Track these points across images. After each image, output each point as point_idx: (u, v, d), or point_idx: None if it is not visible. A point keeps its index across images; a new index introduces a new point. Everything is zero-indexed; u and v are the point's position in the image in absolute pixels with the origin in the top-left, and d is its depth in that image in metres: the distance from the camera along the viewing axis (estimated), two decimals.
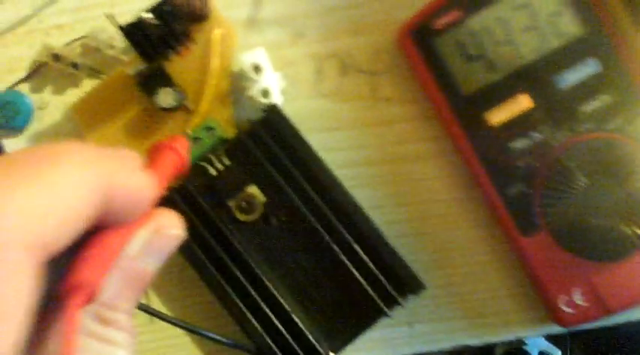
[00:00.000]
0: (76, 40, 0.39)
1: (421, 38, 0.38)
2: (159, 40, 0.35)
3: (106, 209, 0.20)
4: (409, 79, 0.40)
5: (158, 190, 0.24)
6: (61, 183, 0.18)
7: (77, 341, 0.20)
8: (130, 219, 0.22)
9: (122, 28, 0.34)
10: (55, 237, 0.19)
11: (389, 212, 0.40)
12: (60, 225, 0.18)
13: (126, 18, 0.36)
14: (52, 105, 0.40)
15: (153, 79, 0.35)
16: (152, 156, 0.27)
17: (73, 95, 0.40)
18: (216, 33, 0.37)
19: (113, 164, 0.21)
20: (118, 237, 0.22)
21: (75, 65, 0.38)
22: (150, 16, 0.33)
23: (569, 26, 0.38)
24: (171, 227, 0.24)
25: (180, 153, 0.27)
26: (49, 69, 0.39)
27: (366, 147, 0.40)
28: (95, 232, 0.21)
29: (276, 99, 0.37)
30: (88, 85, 0.40)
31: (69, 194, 0.18)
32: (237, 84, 0.38)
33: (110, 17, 0.33)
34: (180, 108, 0.36)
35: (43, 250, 0.18)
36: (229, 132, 0.37)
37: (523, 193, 0.38)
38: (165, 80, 0.35)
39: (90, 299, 0.20)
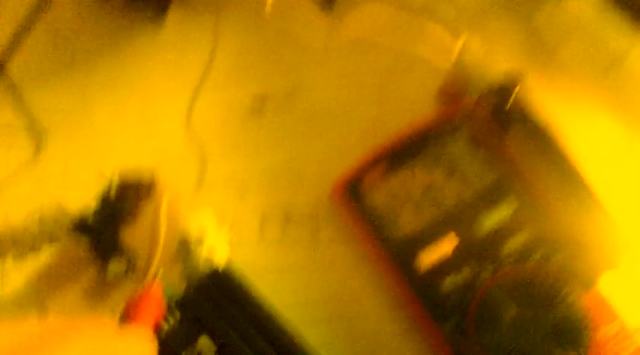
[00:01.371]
0: (31, 212, 0.42)
1: (352, 192, 0.42)
2: (105, 220, 0.38)
3: None
4: (347, 222, 0.43)
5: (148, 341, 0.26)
6: None
7: None
8: None
9: (68, 221, 0.37)
10: None
11: (340, 348, 0.42)
12: None
13: (79, 188, 0.40)
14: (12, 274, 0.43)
15: (104, 249, 0.39)
16: (132, 309, 0.30)
17: (32, 264, 0.43)
18: (163, 201, 0.41)
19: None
20: None
21: (32, 236, 0.41)
22: (94, 205, 0.37)
23: (486, 171, 0.42)
24: None
25: (158, 297, 0.29)
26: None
27: (312, 288, 0.43)
28: None
29: (222, 253, 0.40)
30: (46, 253, 0.43)
31: None
32: (186, 240, 0.41)
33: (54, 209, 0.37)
34: (132, 271, 0.39)
35: None
36: (180, 288, 0.40)
37: (459, 325, 0.40)
38: (116, 249, 0.39)
39: None
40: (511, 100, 0.41)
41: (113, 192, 0.37)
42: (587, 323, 0.38)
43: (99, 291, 0.39)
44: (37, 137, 0.44)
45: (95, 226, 0.38)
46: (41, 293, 0.40)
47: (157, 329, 0.36)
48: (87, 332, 0.23)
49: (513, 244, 0.41)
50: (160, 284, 0.30)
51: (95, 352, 0.22)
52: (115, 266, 0.37)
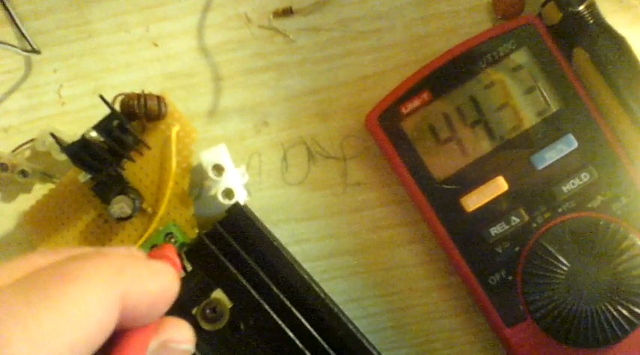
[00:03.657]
0: (23, 145, 0.37)
1: (390, 123, 0.37)
2: (108, 153, 0.33)
3: (126, 317, 0.20)
4: (380, 162, 0.38)
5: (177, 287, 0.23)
6: (83, 305, 0.18)
7: None
8: (155, 318, 0.22)
9: (64, 149, 0.32)
10: (78, 353, 0.19)
11: (367, 305, 0.38)
12: (82, 344, 0.18)
13: (76, 117, 0.34)
14: (2, 214, 0.38)
15: (107, 185, 0.34)
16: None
17: (25, 202, 0.38)
18: (174, 132, 0.35)
19: (130, 274, 0.21)
20: (139, 341, 0.21)
21: (24, 172, 0.36)
22: (94, 134, 0.32)
23: (544, 103, 0.36)
24: (181, 341, 0.23)
25: (175, 261, 0.26)
26: None
27: (338, 237, 0.38)
28: (120, 333, 0.21)
29: (240, 197, 0.35)
30: (40, 190, 0.38)
31: (89, 316, 0.19)
32: (198, 179, 0.36)
33: (52, 135, 0.32)
34: (138, 212, 0.34)
35: None
36: (190, 235, 0.35)
37: (505, 281, 0.36)
38: (121, 185, 0.34)
39: None
40: (584, 6, 0.35)
41: (115, 122, 0.32)
42: None
43: (101, 233, 0.34)
44: (28, 58, 0.37)
45: (95, 161, 0.32)
46: (33, 236, 0.36)
47: None
48: (111, 254, 0.21)
49: (571, 188, 0.36)
50: (173, 248, 0.26)
51: (126, 264, 0.20)
52: (118, 207, 0.32)
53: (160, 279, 0.22)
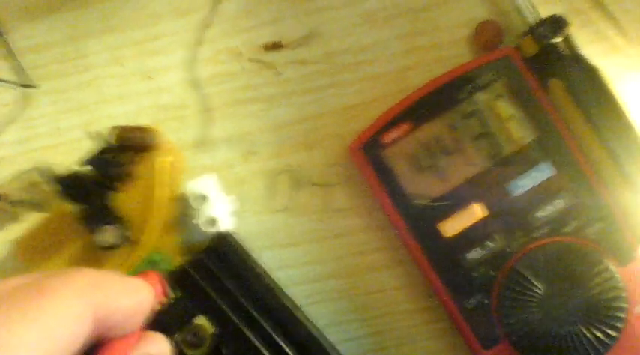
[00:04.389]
0: (17, 176, 0.39)
1: (372, 152, 0.38)
2: (98, 185, 0.34)
3: (100, 328, 0.21)
4: (363, 189, 0.40)
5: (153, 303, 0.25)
6: (57, 317, 0.20)
7: None
8: (130, 331, 0.24)
9: (54, 182, 0.33)
10: None
11: (349, 328, 0.39)
12: (57, 353, 0.20)
13: (71, 148, 0.36)
14: None
15: (96, 215, 0.35)
16: None
17: (15, 232, 0.40)
18: (161, 163, 0.37)
19: (104, 287, 0.22)
20: (119, 351, 0.23)
21: (16, 202, 0.38)
22: (86, 168, 0.33)
23: (522, 131, 0.38)
24: None
25: (154, 281, 0.28)
26: None
27: (321, 262, 0.40)
28: (101, 343, 0.23)
29: (225, 225, 0.36)
30: (31, 219, 0.40)
31: (63, 327, 0.20)
32: (186, 208, 0.38)
33: (42, 170, 0.33)
34: (126, 241, 0.36)
35: None
36: (175, 262, 0.36)
37: (482, 304, 0.37)
38: (108, 215, 0.35)
39: None
40: (560, 39, 0.37)
41: (106, 153, 0.33)
42: (622, 301, 0.36)
43: (87, 263, 0.36)
44: (25, 92, 0.39)
45: (85, 191, 0.34)
46: (24, 264, 0.37)
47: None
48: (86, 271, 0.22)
49: (546, 214, 0.37)
50: (157, 275, 0.28)
51: (100, 279, 0.22)
52: (106, 236, 0.34)
53: (134, 294, 0.24)
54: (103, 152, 0.34)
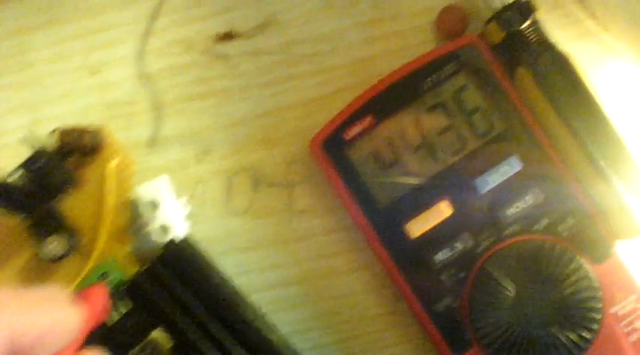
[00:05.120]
0: None
1: (334, 148, 0.36)
2: (38, 191, 0.32)
3: (17, 347, 0.21)
4: (326, 188, 0.38)
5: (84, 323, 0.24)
6: None
7: None
8: (53, 350, 0.23)
9: None
10: None
11: (316, 335, 0.38)
12: None
13: (14, 152, 0.34)
14: None
15: (41, 224, 0.33)
16: None
17: None
18: (111, 165, 0.34)
19: (14, 306, 0.21)
20: None
21: None
22: (19, 173, 0.31)
23: (488, 124, 0.36)
24: None
25: (92, 300, 0.27)
26: None
27: (283, 266, 0.38)
28: None
29: (178, 231, 0.34)
30: None
31: None
32: (137, 214, 0.35)
33: None
34: (75, 251, 0.34)
35: None
36: (129, 272, 0.34)
37: (451, 308, 0.36)
38: (55, 224, 0.33)
39: None
40: (527, 24, 0.35)
41: (50, 155, 0.31)
42: (597, 302, 0.34)
43: (34, 275, 0.33)
44: None
45: (28, 197, 0.31)
46: None
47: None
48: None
49: (515, 211, 0.36)
50: (103, 288, 0.28)
51: (11, 297, 0.22)
52: (54, 245, 0.31)
53: (50, 312, 0.23)
54: (39, 157, 0.31)
